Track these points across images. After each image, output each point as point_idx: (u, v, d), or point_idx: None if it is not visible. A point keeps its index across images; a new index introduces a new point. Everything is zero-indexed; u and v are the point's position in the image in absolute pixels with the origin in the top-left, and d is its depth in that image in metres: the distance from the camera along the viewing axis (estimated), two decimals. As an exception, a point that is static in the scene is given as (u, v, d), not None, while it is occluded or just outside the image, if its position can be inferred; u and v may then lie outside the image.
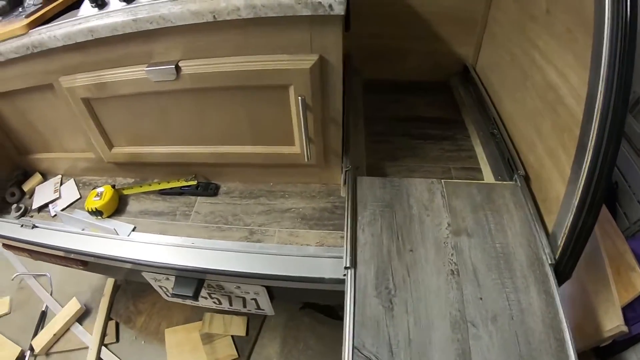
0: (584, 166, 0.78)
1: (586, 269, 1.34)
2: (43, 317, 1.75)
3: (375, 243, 0.89)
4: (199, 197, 1.14)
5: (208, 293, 1.11)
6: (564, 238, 0.85)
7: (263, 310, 1.11)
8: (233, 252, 0.97)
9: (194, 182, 1.15)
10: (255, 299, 1.06)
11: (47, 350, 1.64)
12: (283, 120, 0.97)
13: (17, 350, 1.62)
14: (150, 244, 1.05)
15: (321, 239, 0.98)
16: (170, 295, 1.16)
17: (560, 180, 0.89)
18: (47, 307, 1.78)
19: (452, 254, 0.89)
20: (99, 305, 1.68)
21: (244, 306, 1.11)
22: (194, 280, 1.03)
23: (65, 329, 1.68)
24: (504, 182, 1.05)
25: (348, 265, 0.85)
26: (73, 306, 1.70)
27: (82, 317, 1.71)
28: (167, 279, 1.11)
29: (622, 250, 1.28)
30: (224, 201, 1.11)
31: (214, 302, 1.14)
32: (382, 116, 1.30)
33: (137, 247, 1.05)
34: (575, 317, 1.29)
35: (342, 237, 0.90)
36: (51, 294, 1.83)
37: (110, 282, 1.73)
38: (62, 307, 1.73)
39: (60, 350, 1.64)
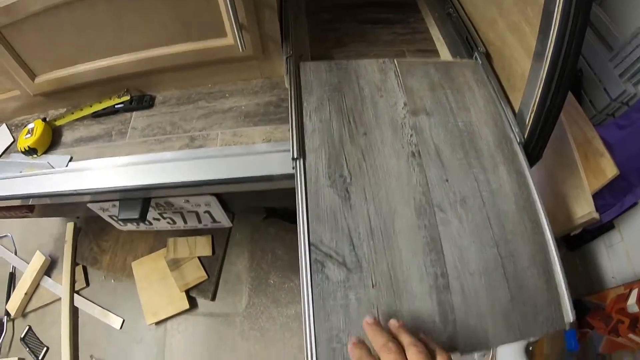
0: (551, 35, 0.69)
1: (553, 156, 1.31)
2: (12, 279, 1.69)
3: (325, 129, 0.81)
4: (134, 113, 1.03)
5: (159, 214, 1.04)
6: (532, 115, 0.79)
7: (219, 222, 1.05)
8: (174, 162, 0.89)
9: (127, 98, 1.04)
10: (208, 212, 1.00)
11: (23, 311, 1.60)
12: (210, 8, 0.85)
13: (-8, 318, 1.58)
14: (88, 171, 0.96)
15: (268, 134, 0.90)
16: (120, 224, 1.09)
17: (525, 55, 0.81)
18: (14, 267, 1.72)
19: (411, 135, 0.82)
20: (64, 253, 1.62)
21: (199, 221, 1.05)
22: (139, 200, 0.95)
23: (36, 285, 1.63)
24: (463, 60, 0.97)
25: (295, 155, 0.77)
26: (38, 260, 1.64)
27: (49, 268, 1.66)
28: (114, 205, 1.03)
29: (590, 136, 1.24)
30: (160, 111, 1.01)
31: (168, 223, 1.08)
32: (328, 4, 1.17)
33: (75, 176, 0.96)
34: (545, 205, 1.29)
35: (290, 131, 0.82)
36: (15, 254, 1.76)
37: (70, 227, 1.66)
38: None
39: (35, 307, 1.60)
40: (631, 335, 1.10)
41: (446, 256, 0.69)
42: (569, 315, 0.67)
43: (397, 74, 0.90)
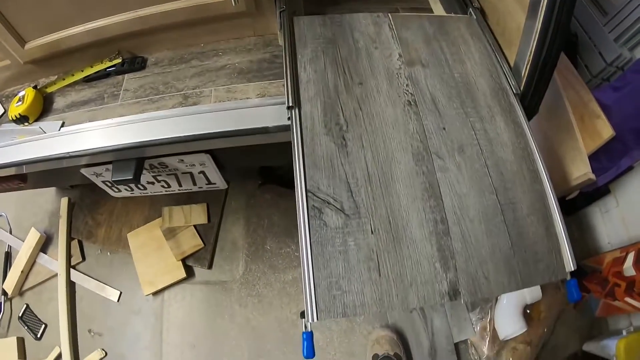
0: None
1: (549, 118, 1.31)
2: (8, 258, 1.68)
3: (320, 79, 0.80)
4: (126, 75, 1.02)
5: (153, 176, 1.03)
6: (528, 67, 0.79)
7: (215, 184, 1.04)
8: (167, 119, 0.88)
9: (119, 60, 1.02)
10: (203, 172, 0.99)
11: (20, 289, 1.59)
12: (201, -38, 0.84)
13: (-11, 299, 1.57)
14: (80, 132, 0.96)
15: (262, 90, 0.89)
16: (114, 189, 1.08)
17: (519, 9, 0.81)
18: (9, 246, 1.70)
19: (407, 85, 0.82)
20: (58, 228, 1.61)
21: (194, 183, 1.04)
22: (132, 160, 0.94)
23: (32, 263, 1.62)
24: (458, 15, 0.96)
25: (291, 104, 0.76)
26: (33, 237, 1.62)
27: (45, 245, 1.64)
28: (107, 170, 1.03)
29: (586, 99, 1.24)
30: (153, 72, 1.00)
31: (163, 187, 1.07)
32: None
33: (67, 139, 0.95)
34: (543, 156, 1.30)
35: (284, 85, 0.81)
36: (10, 232, 1.74)
37: (64, 202, 1.65)
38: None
39: (32, 285, 1.59)
40: (628, 299, 1.10)
41: (445, 202, 0.70)
42: (569, 264, 0.67)
43: (392, 27, 0.90)
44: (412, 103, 0.79)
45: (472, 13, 0.95)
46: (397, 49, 0.86)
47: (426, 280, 0.63)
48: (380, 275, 0.63)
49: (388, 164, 0.72)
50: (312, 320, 0.60)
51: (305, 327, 0.64)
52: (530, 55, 0.78)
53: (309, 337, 0.64)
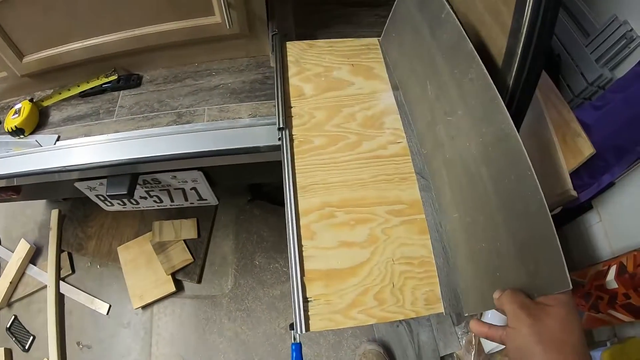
0: (525, 13, 0.73)
1: (531, 137, 1.35)
2: (-3, 268, 1.67)
3: None
4: (122, 92, 1.04)
5: (146, 191, 1.05)
6: (509, 90, 0.83)
7: (206, 200, 1.06)
8: (161, 137, 0.90)
9: (115, 77, 1.05)
10: (195, 188, 1.01)
11: (9, 301, 1.57)
12: (198, -16, 0.87)
13: (-23, 309, 1.56)
14: (75, 147, 0.97)
15: (254, 110, 0.92)
16: (107, 203, 1.09)
17: (501, 34, 0.84)
18: (-2, 257, 1.69)
19: None
20: (49, 240, 1.61)
21: (186, 199, 1.06)
22: (127, 176, 0.96)
23: (21, 274, 1.61)
24: (444, 41, 1.00)
25: (281, 125, 0.79)
26: (22, 248, 1.62)
27: (34, 256, 1.63)
28: (101, 184, 1.04)
29: (568, 118, 1.28)
30: (148, 90, 1.02)
31: (155, 201, 1.08)
32: None
33: (63, 154, 0.96)
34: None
35: (275, 106, 0.84)
36: (0, 243, 1.73)
37: (54, 214, 1.64)
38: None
39: (20, 296, 1.58)
40: (610, 311, 1.13)
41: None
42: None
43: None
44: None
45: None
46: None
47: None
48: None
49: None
50: (301, 331, 0.62)
51: (294, 338, 0.66)
52: (511, 80, 0.82)
53: (297, 348, 0.67)
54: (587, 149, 1.18)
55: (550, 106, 1.32)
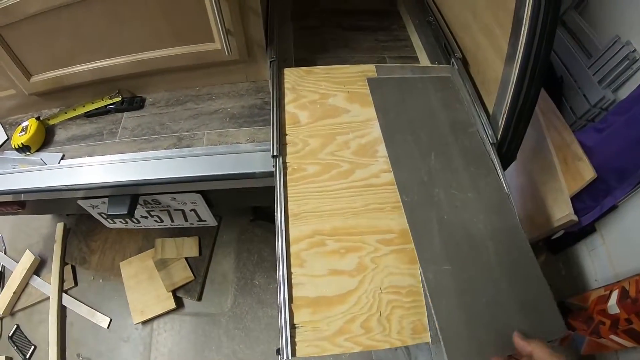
0: (521, 39, 0.74)
1: (533, 159, 1.33)
2: (1, 278, 1.70)
3: None
4: (125, 113, 1.07)
5: (147, 211, 1.07)
6: (505, 116, 0.83)
7: (205, 221, 1.08)
8: (162, 160, 0.93)
9: (119, 98, 1.08)
10: (194, 210, 1.03)
11: (12, 310, 1.60)
12: (199, 14, 0.89)
13: (-20, 317, 1.59)
14: (79, 167, 1.00)
15: (251, 135, 0.94)
16: (109, 221, 1.12)
17: (497, 58, 0.85)
18: (3, 266, 1.73)
19: None
20: (53, 252, 1.64)
21: (186, 220, 1.07)
22: (127, 196, 0.99)
23: (25, 284, 1.63)
24: (441, 65, 1.01)
25: (275, 153, 0.81)
26: (27, 259, 1.65)
27: (39, 268, 1.66)
28: (104, 202, 1.06)
29: (569, 141, 1.27)
30: (150, 112, 1.05)
31: (156, 221, 1.10)
32: (313, 10, 1.23)
33: (66, 173, 0.99)
34: (525, 209, 1.30)
35: (272, 131, 0.85)
36: (5, 253, 1.77)
37: (60, 227, 1.68)
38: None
39: (23, 306, 1.60)
40: (612, 337, 1.11)
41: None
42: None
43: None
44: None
45: (454, 63, 1.00)
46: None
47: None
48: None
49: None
50: (287, 357, 0.63)
51: None
52: (507, 104, 0.82)
53: None
54: (588, 173, 1.17)
55: (552, 129, 1.32)
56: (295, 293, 0.68)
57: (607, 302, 1.14)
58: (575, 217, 1.17)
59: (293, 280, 0.69)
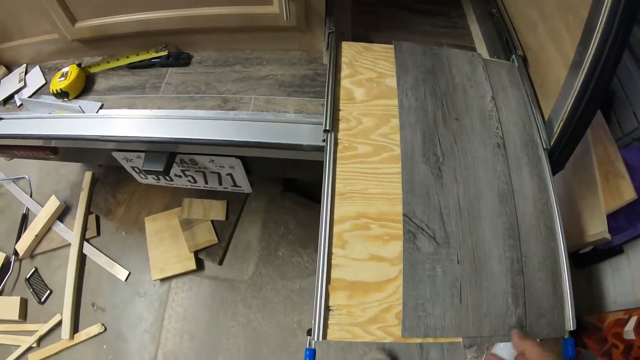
0: (590, 49, 0.69)
1: (574, 171, 1.30)
2: (25, 220, 1.73)
3: (420, 108, 0.83)
4: (170, 68, 1.04)
5: (182, 170, 1.06)
6: (562, 124, 0.79)
7: (240, 187, 1.06)
8: (205, 120, 0.90)
9: (165, 53, 1.05)
10: (230, 174, 1.01)
11: (32, 252, 1.63)
12: (259, -27, 0.86)
13: (1, 256, 1.62)
14: (117, 119, 0.98)
15: (301, 106, 0.91)
16: (141, 176, 1.11)
17: (561, 63, 0.81)
18: (27, 209, 1.76)
19: (497, 127, 0.84)
20: (79, 200, 1.65)
21: (220, 183, 1.06)
22: (165, 154, 0.97)
23: (47, 229, 1.66)
24: (501, 60, 0.97)
25: (328, 127, 0.78)
26: (52, 204, 1.67)
27: (63, 214, 1.68)
28: (139, 157, 1.05)
29: (613, 157, 1.23)
30: (196, 70, 1.02)
31: (189, 181, 1.09)
32: None
33: (104, 123, 0.97)
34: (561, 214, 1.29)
35: (323, 105, 0.83)
36: (31, 196, 1.79)
37: (88, 176, 1.69)
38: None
39: (44, 250, 1.64)
40: (624, 362, 1.09)
41: (522, 244, 0.72)
42: (569, 323, 0.68)
43: (484, 69, 0.92)
44: (500, 145, 0.81)
45: (515, 60, 0.95)
46: (490, 92, 0.88)
47: (499, 313, 0.66)
48: (461, 302, 0.66)
49: (477, 201, 0.75)
50: (318, 339, 0.62)
51: (310, 344, 0.64)
52: (565, 113, 0.78)
53: (311, 354, 0.65)
54: (628, 193, 1.14)
55: (598, 142, 1.27)
56: (333, 274, 0.66)
57: (624, 327, 1.13)
58: (609, 236, 1.14)
59: (333, 261, 0.67)
